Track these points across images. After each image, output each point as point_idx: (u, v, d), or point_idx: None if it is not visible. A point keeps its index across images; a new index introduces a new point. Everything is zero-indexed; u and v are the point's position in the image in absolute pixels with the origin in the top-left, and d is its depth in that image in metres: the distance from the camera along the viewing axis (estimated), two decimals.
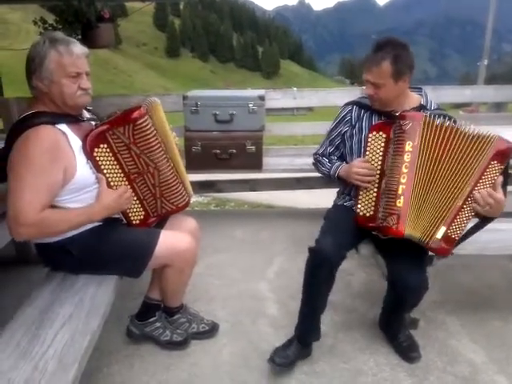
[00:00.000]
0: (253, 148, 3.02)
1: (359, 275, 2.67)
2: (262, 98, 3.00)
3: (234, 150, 3.02)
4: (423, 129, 1.70)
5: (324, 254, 1.77)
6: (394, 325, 2.04)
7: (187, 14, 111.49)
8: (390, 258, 1.87)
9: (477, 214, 1.72)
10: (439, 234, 1.69)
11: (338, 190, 2.19)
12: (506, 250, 2.08)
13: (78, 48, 1.57)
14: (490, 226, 1.96)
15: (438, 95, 3.20)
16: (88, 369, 1.47)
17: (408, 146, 1.70)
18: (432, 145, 1.69)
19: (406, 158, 1.70)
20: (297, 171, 3.23)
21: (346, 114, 2.06)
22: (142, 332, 2.02)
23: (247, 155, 3.04)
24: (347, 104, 2.08)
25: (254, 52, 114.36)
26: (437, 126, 1.69)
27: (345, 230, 1.89)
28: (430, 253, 1.86)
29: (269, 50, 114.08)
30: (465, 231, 1.75)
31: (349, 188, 2.04)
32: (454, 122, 1.74)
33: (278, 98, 3.27)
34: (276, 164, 3.23)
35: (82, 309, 1.53)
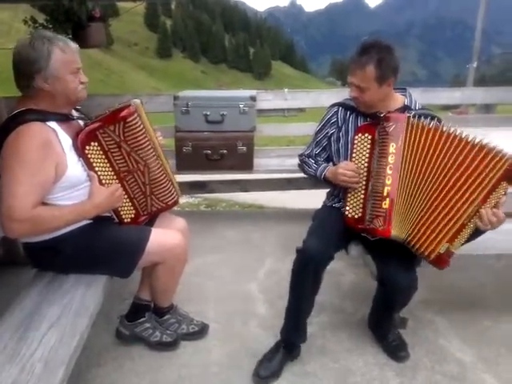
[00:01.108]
0: (244, 149, 3.02)
1: (348, 276, 2.68)
2: (253, 98, 3.00)
3: (225, 151, 3.02)
4: (407, 130, 1.71)
5: (310, 254, 1.77)
6: (384, 325, 2.05)
7: (179, 14, 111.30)
8: (380, 258, 1.87)
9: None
10: (442, 249, 1.69)
11: (327, 191, 2.19)
12: (496, 250, 2.10)
13: (73, 44, 1.60)
14: None
15: (428, 97, 3.23)
16: (76, 370, 1.46)
17: (392, 148, 1.71)
18: (417, 146, 1.70)
19: (390, 159, 1.71)
20: (288, 172, 3.23)
21: (331, 115, 2.06)
22: (132, 332, 2.01)
23: (238, 156, 3.03)
24: (333, 105, 2.08)
25: (246, 53, 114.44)
26: (423, 127, 1.70)
27: (332, 231, 1.89)
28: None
29: (260, 51, 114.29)
30: None
31: (338, 189, 2.05)
32: (439, 121, 1.76)
33: (269, 99, 3.27)
34: (267, 165, 3.23)
35: (70, 310, 1.52)
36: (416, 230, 1.71)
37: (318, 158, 2.11)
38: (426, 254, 1.70)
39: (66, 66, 1.55)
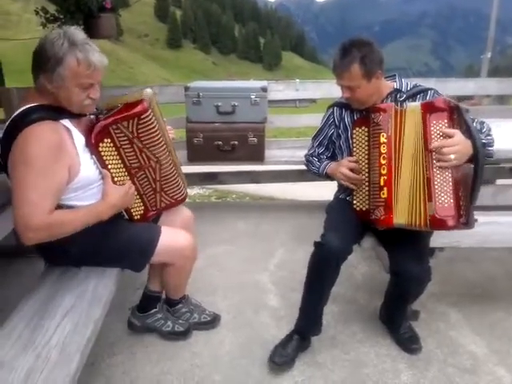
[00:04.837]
0: (255, 140, 3.01)
1: (361, 267, 2.68)
2: (264, 89, 2.98)
3: (236, 142, 3.01)
4: (395, 117, 1.71)
5: (332, 249, 1.76)
6: (396, 317, 2.04)
7: (188, 4, 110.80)
8: (393, 249, 1.87)
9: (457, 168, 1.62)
10: (431, 211, 1.61)
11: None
12: (506, 243, 2.08)
13: (97, 59, 1.45)
14: (489, 218, 1.96)
15: (442, 87, 3.15)
16: (90, 359, 1.48)
17: (383, 138, 1.72)
18: (404, 131, 1.70)
19: (383, 149, 1.72)
20: (299, 163, 3.19)
21: (328, 116, 2.08)
22: (144, 324, 2.03)
23: (249, 147, 3.03)
24: (328, 107, 2.11)
25: (256, 43, 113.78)
26: (405, 112, 1.70)
27: (349, 225, 1.88)
28: (434, 245, 1.89)
29: (271, 41, 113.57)
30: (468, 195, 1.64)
31: None
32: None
33: (280, 90, 3.25)
34: (278, 156, 3.22)
35: (83, 299, 1.53)
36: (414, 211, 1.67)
37: (322, 156, 2.14)
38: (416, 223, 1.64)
39: (74, 79, 1.43)
